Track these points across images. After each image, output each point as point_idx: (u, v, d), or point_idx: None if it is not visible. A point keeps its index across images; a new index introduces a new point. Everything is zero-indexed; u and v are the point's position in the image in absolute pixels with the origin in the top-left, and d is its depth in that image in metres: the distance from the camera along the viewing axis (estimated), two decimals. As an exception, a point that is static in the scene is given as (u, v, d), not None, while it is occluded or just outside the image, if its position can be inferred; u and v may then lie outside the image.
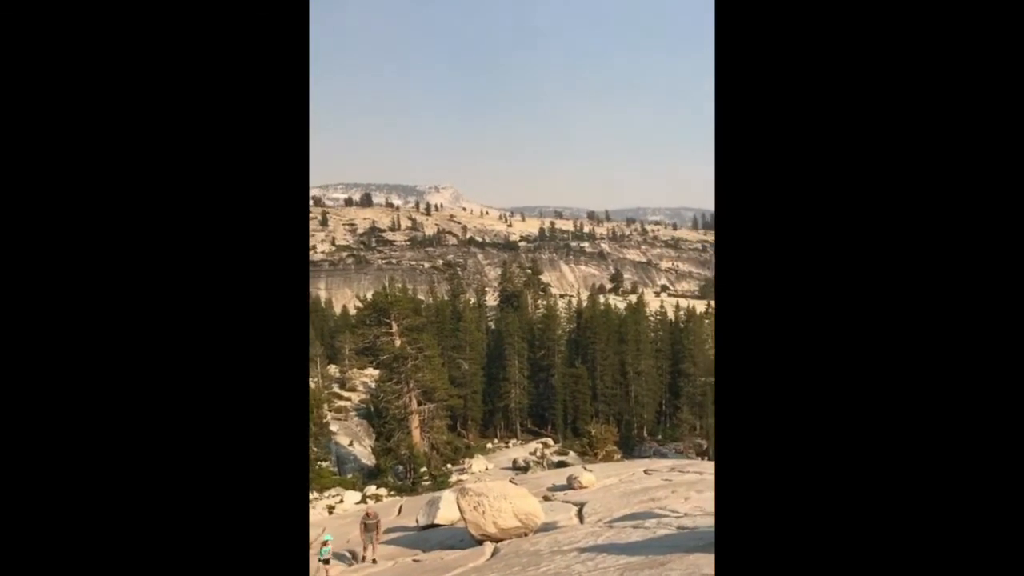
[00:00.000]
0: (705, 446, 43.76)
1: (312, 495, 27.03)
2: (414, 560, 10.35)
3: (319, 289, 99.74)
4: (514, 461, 38.06)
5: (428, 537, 12.60)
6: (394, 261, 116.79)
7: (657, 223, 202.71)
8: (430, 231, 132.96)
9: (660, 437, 47.88)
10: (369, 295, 44.38)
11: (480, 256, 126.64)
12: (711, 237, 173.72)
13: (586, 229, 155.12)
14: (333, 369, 59.16)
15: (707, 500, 10.25)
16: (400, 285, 61.17)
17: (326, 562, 10.81)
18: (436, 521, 13.21)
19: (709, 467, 15.80)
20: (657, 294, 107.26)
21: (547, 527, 10.26)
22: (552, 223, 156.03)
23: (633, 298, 67.50)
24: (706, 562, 4.65)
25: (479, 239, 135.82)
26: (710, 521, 7.11)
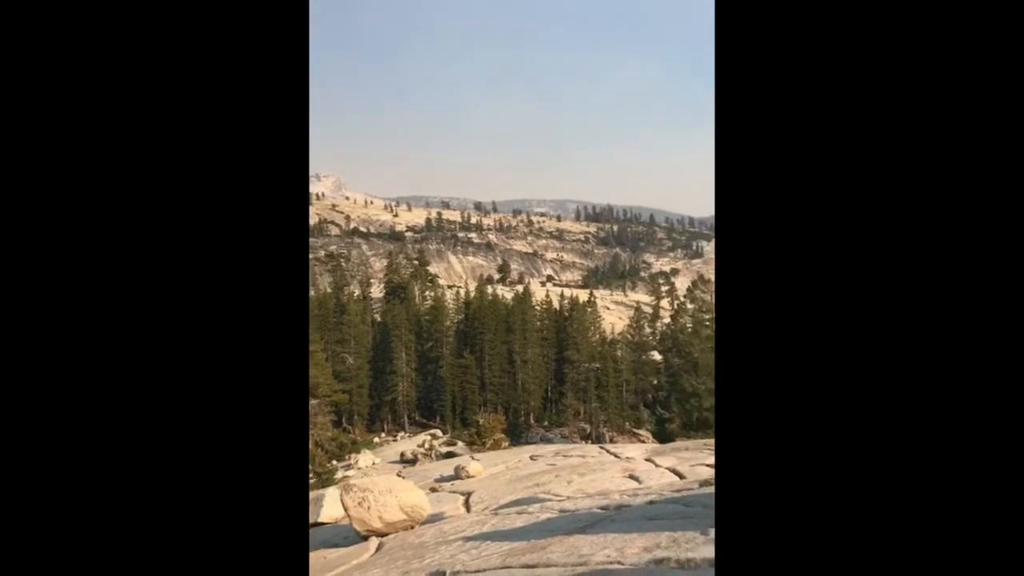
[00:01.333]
0: (589, 430, 45.36)
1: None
2: (296, 562, 9.98)
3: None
4: (402, 454, 37.67)
5: (312, 536, 12.22)
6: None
7: (542, 215, 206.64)
8: (311, 221, 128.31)
9: (546, 423, 49.06)
10: (246, 288, 41.97)
11: (365, 247, 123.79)
12: (594, 228, 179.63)
13: (473, 220, 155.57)
14: (207, 367, 55.54)
15: (588, 482, 10.62)
16: (280, 277, 58.23)
17: None
18: (320, 519, 12.81)
19: (592, 450, 16.38)
20: (543, 284, 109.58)
21: (434, 518, 10.24)
22: (439, 213, 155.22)
23: (520, 288, 68.55)
24: (584, 543, 4.81)
25: (363, 229, 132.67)
26: (590, 503, 7.36)
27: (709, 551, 4.03)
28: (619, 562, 4.22)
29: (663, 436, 33.07)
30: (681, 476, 10.05)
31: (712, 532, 4.41)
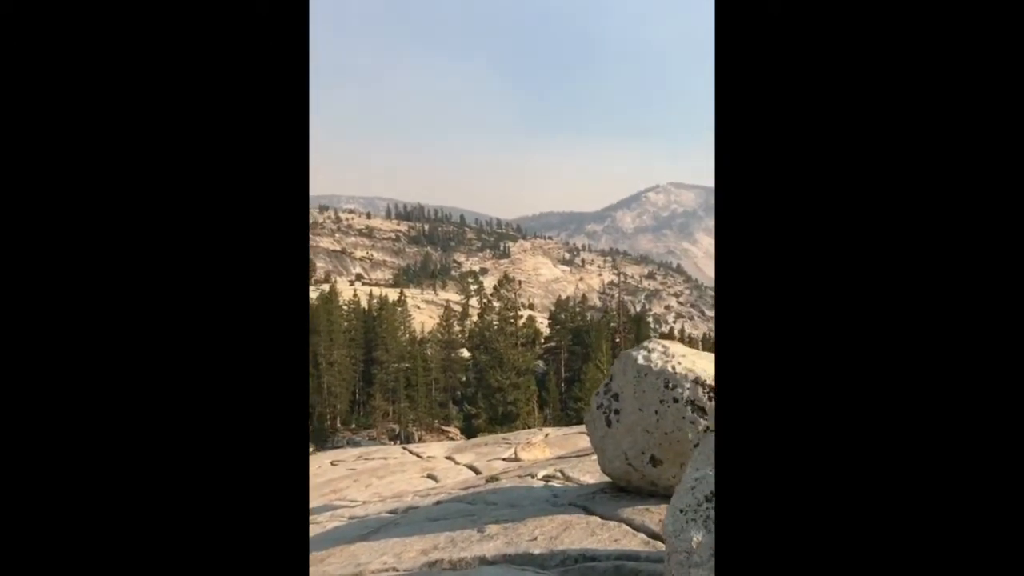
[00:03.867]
0: (397, 430, 44.98)
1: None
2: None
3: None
4: (192, 469, 34.48)
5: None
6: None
7: (351, 211, 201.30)
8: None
9: (354, 426, 47.84)
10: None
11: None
12: (405, 227, 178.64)
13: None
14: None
15: (386, 485, 10.47)
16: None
17: None
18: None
19: (395, 451, 16.20)
20: (351, 283, 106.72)
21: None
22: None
23: (326, 288, 66.07)
24: (364, 551, 4.69)
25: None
26: (381, 507, 7.23)
27: (482, 548, 4.12)
28: (395, 568, 4.17)
29: (470, 431, 33.77)
30: (477, 472, 10.26)
31: (488, 528, 4.52)
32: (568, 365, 46.19)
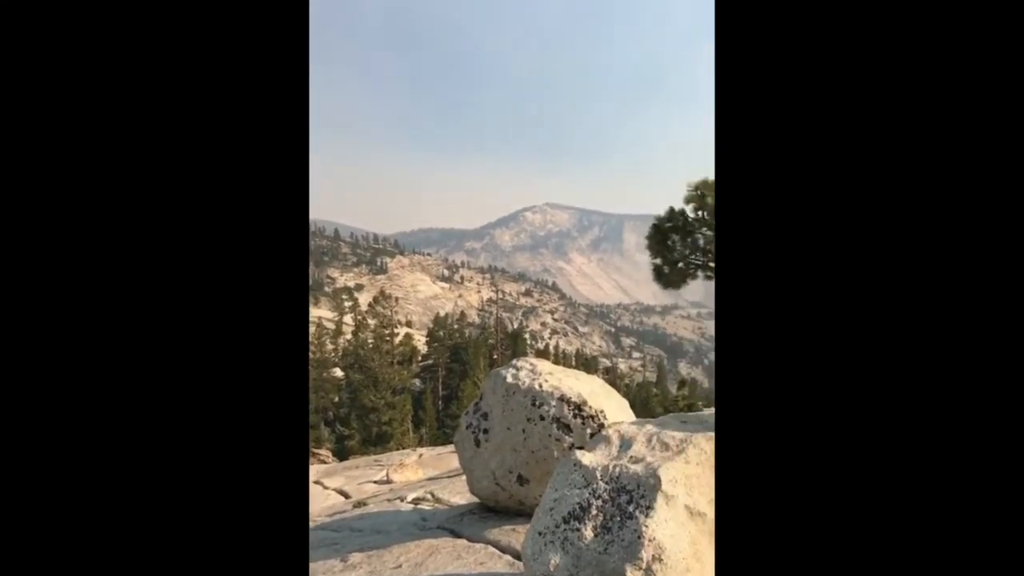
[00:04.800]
0: None
1: None
2: None
3: None
4: None
5: None
6: None
7: None
8: None
9: (216, 452, 44.69)
10: None
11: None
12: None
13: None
14: None
15: None
16: None
17: None
18: None
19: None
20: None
21: None
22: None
23: (186, 304, 61.37)
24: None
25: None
26: None
27: (343, 579, 3.94)
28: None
29: (342, 453, 32.61)
30: (346, 496, 9.89)
31: (351, 557, 4.34)
32: (446, 383, 45.95)
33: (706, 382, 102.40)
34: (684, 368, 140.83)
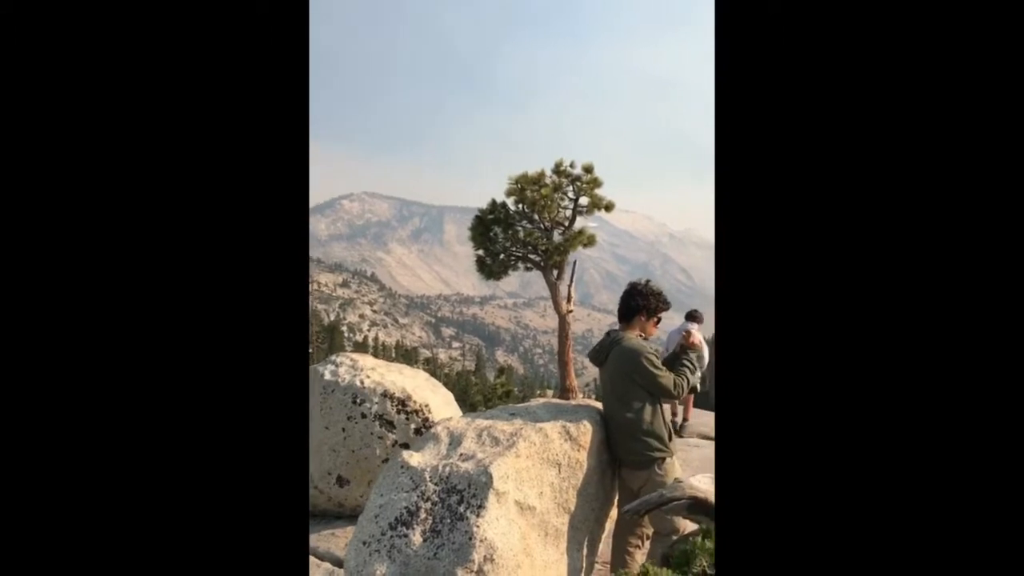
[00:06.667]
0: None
1: None
2: None
3: None
4: None
5: None
6: None
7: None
8: None
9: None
10: None
11: None
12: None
13: None
14: None
15: None
16: None
17: None
18: None
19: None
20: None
21: None
22: None
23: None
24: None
25: None
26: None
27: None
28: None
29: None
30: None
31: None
32: (255, 379, 43.11)
33: (521, 369, 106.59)
34: (501, 356, 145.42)
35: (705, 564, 1.56)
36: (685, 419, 8.33)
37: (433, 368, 48.28)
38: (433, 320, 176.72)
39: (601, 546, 3.29)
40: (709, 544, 1.63)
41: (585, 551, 3.04)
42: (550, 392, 20.94)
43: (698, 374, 3.38)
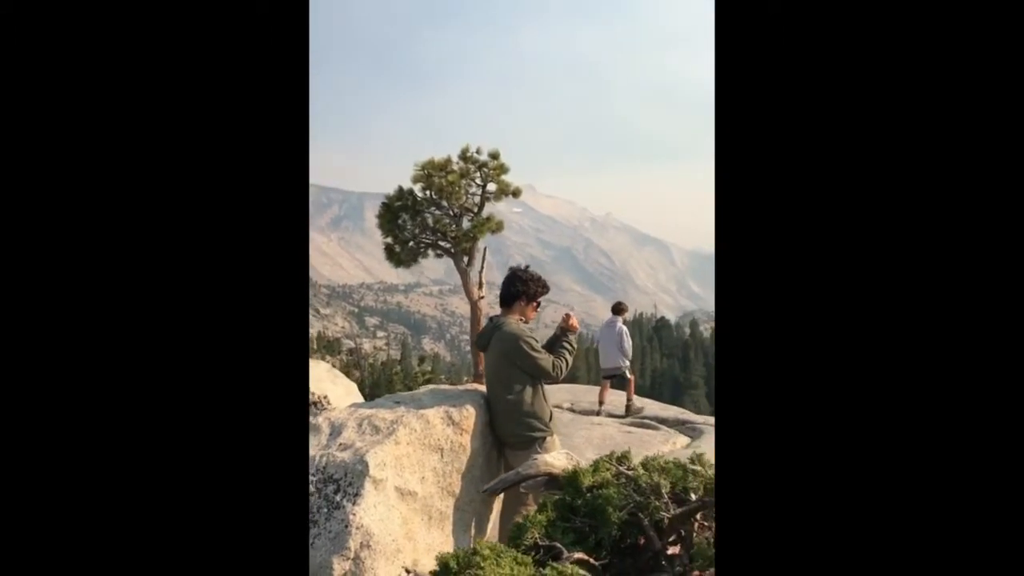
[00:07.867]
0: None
1: None
2: None
3: None
4: None
5: None
6: None
7: None
8: None
9: None
10: None
11: None
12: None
13: None
14: None
15: None
16: None
17: None
18: None
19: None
20: None
21: None
22: None
23: None
24: None
25: None
26: None
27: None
28: None
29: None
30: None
31: None
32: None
33: (448, 356, 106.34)
34: (428, 344, 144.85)
35: (536, 536, 1.65)
36: (629, 400, 8.39)
37: (357, 359, 47.48)
38: (356, 309, 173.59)
39: (491, 527, 3.38)
40: (541, 517, 1.72)
41: (473, 532, 3.13)
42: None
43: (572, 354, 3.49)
